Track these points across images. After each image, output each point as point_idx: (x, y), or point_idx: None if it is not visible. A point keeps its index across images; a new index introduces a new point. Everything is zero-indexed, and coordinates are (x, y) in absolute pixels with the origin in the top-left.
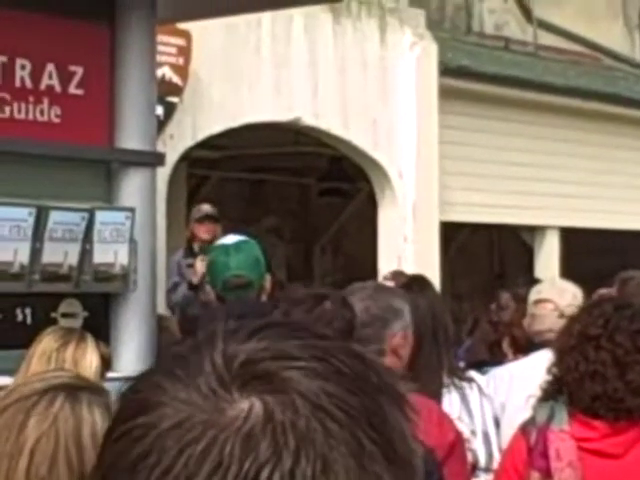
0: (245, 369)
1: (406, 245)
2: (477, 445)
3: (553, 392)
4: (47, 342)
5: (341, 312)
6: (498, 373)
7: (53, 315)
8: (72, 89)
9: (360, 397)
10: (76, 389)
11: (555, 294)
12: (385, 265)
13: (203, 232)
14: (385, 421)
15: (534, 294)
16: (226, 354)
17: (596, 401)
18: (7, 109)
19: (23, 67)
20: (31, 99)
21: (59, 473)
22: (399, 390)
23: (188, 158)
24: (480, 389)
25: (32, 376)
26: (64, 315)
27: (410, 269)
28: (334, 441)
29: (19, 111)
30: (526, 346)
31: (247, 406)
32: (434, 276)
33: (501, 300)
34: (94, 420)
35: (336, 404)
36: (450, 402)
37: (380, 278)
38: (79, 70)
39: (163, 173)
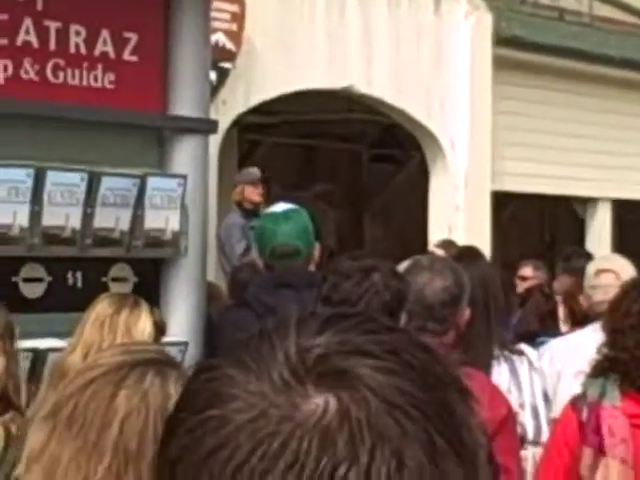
0: (320, 364)
1: (457, 214)
2: (525, 418)
3: (604, 369)
4: (101, 308)
5: (390, 284)
6: (555, 344)
7: (104, 280)
8: (126, 55)
9: (430, 392)
10: (164, 365)
11: (617, 266)
12: (435, 234)
13: (256, 195)
14: (454, 416)
15: (595, 265)
16: (300, 346)
17: None
18: (61, 75)
19: (78, 33)
20: (85, 65)
21: (146, 450)
22: (463, 382)
23: (240, 123)
24: (530, 362)
25: (115, 347)
26: (115, 280)
27: (461, 238)
28: (408, 438)
29: (73, 77)
30: (582, 318)
31: (322, 402)
32: (485, 245)
33: (532, 270)
34: None
35: (409, 401)
36: (499, 374)
37: (430, 247)
38: (133, 37)
39: (215, 138)
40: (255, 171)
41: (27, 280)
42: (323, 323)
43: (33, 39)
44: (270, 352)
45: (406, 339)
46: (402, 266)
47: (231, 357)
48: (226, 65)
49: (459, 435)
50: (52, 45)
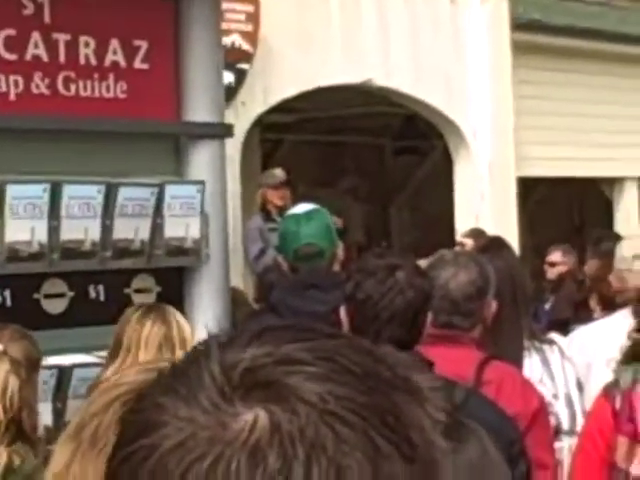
0: (246, 378)
1: (483, 203)
2: (559, 408)
3: (635, 355)
4: (149, 329)
5: (414, 282)
6: (584, 331)
7: (126, 291)
8: (137, 64)
9: (371, 395)
10: None
11: None
12: (462, 223)
13: (277, 198)
14: (400, 418)
15: (631, 248)
16: (224, 363)
17: None
18: (72, 87)
19: (87, 44)
20: (96, 76)
21: None
22: (415, 383)
23: (261, 123)
24: (561, 351)
25: (138, 365)
26: (137, 291)
27: (488, 226)
28: (346, 446)
29: (85, 89)
30: (612, 303)
31: (252, 417)
32: (512, 233)
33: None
34: None
35: (345, 406)
36: (531, 365)
37: (457, 236)
38: (143, 44)
39: (236, 140)
40: (278, 173)
41: (49, 296)
42: (252, 337)
43: (42, 53)
44: (197, 374)
45: (343, 343)
46: (427, 261)
47: (161, 384)
48: (243, 66)
49: (407, 437)
50: (62, 58)
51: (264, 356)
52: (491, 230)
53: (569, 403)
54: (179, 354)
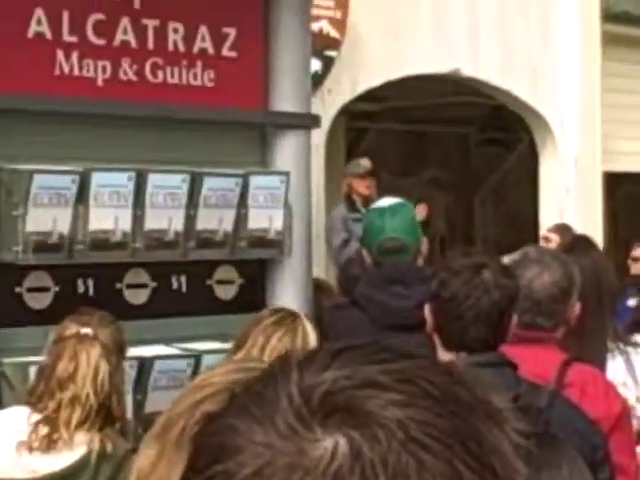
0: (326, 402)
1: (568, 197)
2: None
3: None
4: (277, 340)
5: (500, 282)
6: None
7: (208, 282)
8: (225, 51)
9: (452, 420)
10: None
11: None
12: (546, 218)
13: (363, 187)
14: (482, 443)
15: None
16: (303, 386)
17: None
18: (160, 74)
19: (176, 30)
20: (184, 63)
21: None
22: (495, 405)
23: (347, 111)
24: None
25: (228, 364)
26: (219, 282)
27: (572, 221)
28: (429, 474)
29: (172, 75)
30: None
31: (331, 444)
32: (597, 228)
33: None
34: None
35: (427, 432)
36: (614, 368)
37: (542, 231)
38: (232, 32)
39: (321, 128)
40: (365, 162)
41: (131, 286)
42: (330, 357)
43: (131, 38)
44: (273, 396)
45: (423, 365)
46: (511, 258)
47: (235, 405)
48: (331, 53)
49: (489, 464)
50: (150, 44)
51: (343, 379)
52: (576, 225)
53: None
54: None
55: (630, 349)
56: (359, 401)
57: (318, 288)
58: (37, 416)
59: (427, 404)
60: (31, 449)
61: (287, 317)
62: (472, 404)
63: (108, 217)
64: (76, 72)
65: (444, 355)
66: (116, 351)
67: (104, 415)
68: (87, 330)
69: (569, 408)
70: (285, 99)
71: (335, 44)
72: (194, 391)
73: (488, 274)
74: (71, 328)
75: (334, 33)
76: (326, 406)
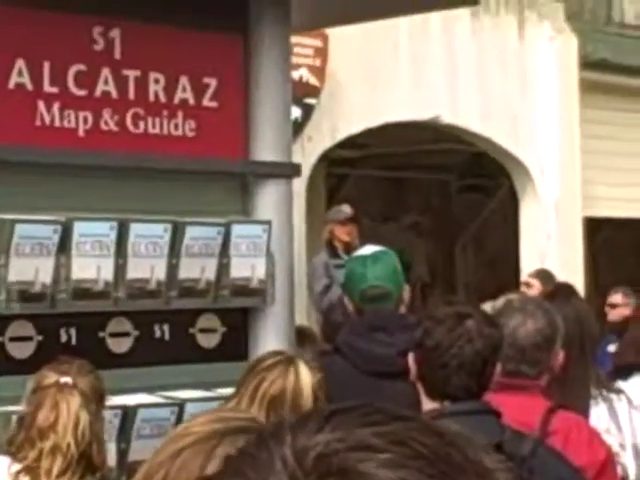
0: (319, 464)
1: (549, 242)
2: (627, 459)
3: None
4: (268, 384)
5: (484, 331)
6: None
7: (191, 331)
8: (206, 102)
9: None
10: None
11: None
12: (528, 263)
13: (344, 234)
14: None
15: None
16: (297, 448)
17: None
18: (141, 124)
19: (157, 81)
20: (165, 113)
21: None
22: (486, 465)
23: (327, 158)
24: (629, 401)
25: (207, 414)
26: (202, 331)
27: (553, 267)
28: None
29: (153, 126)
30: None
31: None
32: (578, 274)
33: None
34: None
35: None
36: (598, 414)
37: (523, 276)
38: (213, 82)
39: (302, 175)
40: (345, 209)
41: (114, 335)
42: (323, 419)
43: (112, 89)
44: (268, 458)
45: (415, 427)
46: (494, 305)
47: (230, 468)
48: (311, 101)
49: None
50: (131, 94)
51: (336, 442)
52: (557, 270)
53: (636, 453)
54: (287, 410)
55: (613, 396)
56: (352, 463)
57: (302, 335)
58: (17, 466)
59: (419, 465)
60: None
61: (282, 361)
62: (463, 465)
63: (90, 266)
64: (57, 123)
65: (428, 404)
66: (96, 399)
67: (85, 464)
68: (66, 379)
69: (553, 456)
70: (266, 148)
71: (315, 92)
72: (175, 440)
73: (471, 323)
74: (50, 377)
75: (314, 81)
76: (320, 468)
